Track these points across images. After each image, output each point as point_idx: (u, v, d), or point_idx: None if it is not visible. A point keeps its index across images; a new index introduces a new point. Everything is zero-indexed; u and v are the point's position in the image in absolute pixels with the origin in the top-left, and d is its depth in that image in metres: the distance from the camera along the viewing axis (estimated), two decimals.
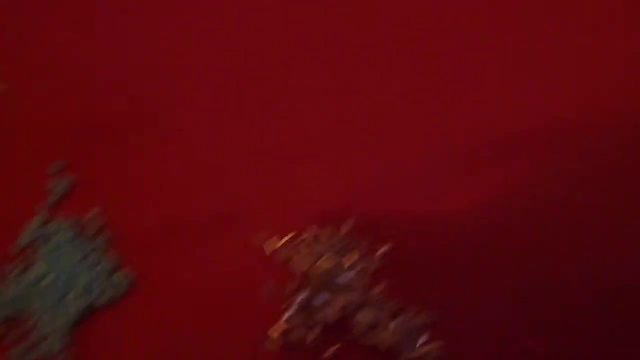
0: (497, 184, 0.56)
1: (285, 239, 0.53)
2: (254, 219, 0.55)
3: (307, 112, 0.60)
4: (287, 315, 0.50)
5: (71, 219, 0.54)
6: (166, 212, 0.55)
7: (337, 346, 0.49)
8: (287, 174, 0.57)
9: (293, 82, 0.62)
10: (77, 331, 0.50)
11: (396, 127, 0.59)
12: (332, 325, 0.49)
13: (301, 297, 0.50)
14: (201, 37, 0.64)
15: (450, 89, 0.60)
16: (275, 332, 0.49)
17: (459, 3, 0.64)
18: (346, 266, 0.51)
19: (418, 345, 0.49)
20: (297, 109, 0.60)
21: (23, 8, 0.67)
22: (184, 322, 0.51)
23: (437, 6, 0.64)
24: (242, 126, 0.59)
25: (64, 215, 0.54)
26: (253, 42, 0.64)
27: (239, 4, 0.66)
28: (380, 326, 0.49)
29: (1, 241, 0.53)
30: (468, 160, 0.57)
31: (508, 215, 0.54)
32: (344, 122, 0.59)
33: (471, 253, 0.53)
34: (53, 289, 0.50)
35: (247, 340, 0.50)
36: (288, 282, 0.51)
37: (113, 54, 0.63)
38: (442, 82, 0.61)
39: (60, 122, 0.60)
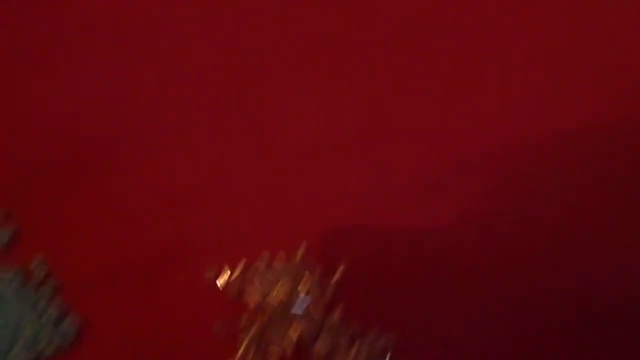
0: (450, 203, 0.54)
1: (237, 270, 0.51)
2: (203, 252, 0.53)
3: (256, 137, 0.59)
4: (240, 351, 0.48)
5: (15, 268, 0.52)
6: (111, 254, 0.53)
7: None
8: (234, 202, 0.56)
9: (236, 114, 0.60)
10: None
11: (342, 148, 0.58)
12: (289, 357, 0.48)
13: (253, 331, 0.48)
14: (144, 77, 0.63)
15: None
16: None
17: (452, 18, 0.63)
18: (301, 294, 0.50)
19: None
20: (244, 135, 0.59)
21: None
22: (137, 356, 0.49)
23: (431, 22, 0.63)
24: (182, 159, 0.58)
25: (7, 264, 0.52)
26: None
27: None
28: (339, 353, 0.47)
29: None
30: (426, 176, 0.56)
31: (465, 234, 0.53)
32: (290, 148, 0.58)
33: (428, 272, 0.52)
34: None
35: None
36: (241, 316, 0.49)
37: (52, 92, 0.62)
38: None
39: (1, 169, 0.58)
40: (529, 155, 0.56)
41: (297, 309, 0.48)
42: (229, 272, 0.51)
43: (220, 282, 0.51)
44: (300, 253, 0.52)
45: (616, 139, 0.56)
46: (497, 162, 0.56)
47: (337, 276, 0.51)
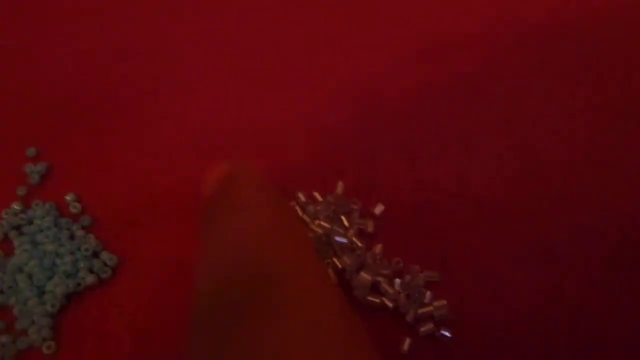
0: (493, 144, 0.55)
1: None
2: None
3: (283, 76, 0.59)
4: None
5: (50, 203, 0.51)
6: (144, 190, 0.53)
7: None
8: (271, 141, 0.55)
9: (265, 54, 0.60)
10: (63, 316, 0.47)
11: (377, 82, 0.58)
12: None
13: None
14: (179, 25, 0.63)
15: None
16: None
17: None
18: (344, 227, 0.49)
19: (425, 301, 0.47)
20: (273, 74, 0.59)
21: None
22: (173, 301, 0.48)
23: None
24: (218, 102, 0.58)
25: (42, 199, 0.52)
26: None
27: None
28: (383, 286, 0.47)
29: None
30: (458, 117, 0.56)
31: (507, 171, 0.53)
32: (323, 83, 0.58)
33: (469, 209, 0.52)
34: (36, 274, 0.47)
35: None
36: None
37: (86, 38, 0.61)
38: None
39: (33, 106, 0.57)
40: None
41: (341, 238, 0.48)
42: None
43: None
44: (339, 190, 0.52)
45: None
46: None
47: (377, 210, 0.51)
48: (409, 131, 0.56)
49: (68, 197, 0.52)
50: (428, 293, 0.47)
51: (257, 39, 0.61)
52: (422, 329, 0.46)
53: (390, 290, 0.47)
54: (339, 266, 0.47)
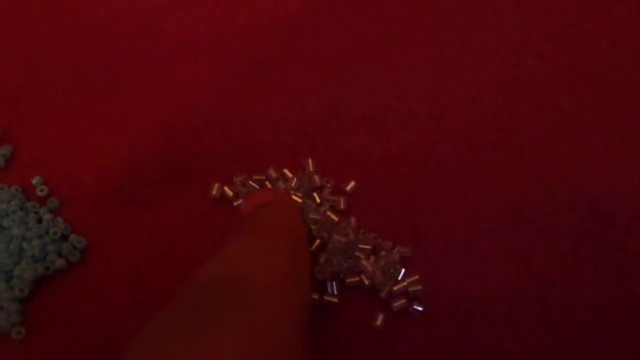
0: (462, 113, 0.55)
1: (239, 179, 0.51)
2: (210, 170, 0.52)
3: (254, 56, 0.58)
4: None
5: (15, 186, 0.50)
6: (114, 173, 0.52)
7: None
8: (241, 118, 0.55)
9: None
10: (32, 301, 0.47)
11: (350, 56, 0.58)
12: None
13: None
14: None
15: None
16: None
17: None
18: (316, 203, 0.49)
19: (399, 278, 0.47)
20: (244, 52, 0.58)
21: None
22: (145, 282, 0.48)
23: None
24: (188, 81, 0.57)
25: (7, 184, 0.51)
26: None
27: None
28: (362, 263, 0.47)
29: None
30: (427, 88, 0.56)
31: (476, 141, 0.54)
32: (292, 62, 0.58)
33: (439, 181, 0.52)
34: (3, 259, 0.46)
35: None
36: None
37: (49, 17, 0.60)
38: None
39: None
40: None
41: (314, 213, 0.48)
42: (237, 184, 0.51)
43: (229, 195, 0.50)
44: (309, 167, 0.51)
45: None
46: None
47: (349, 187, 0.51)
48: (376, 103, 0.56)
49: (34, 181, 0.51)
50: (402, 270, 0.47)
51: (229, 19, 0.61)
52: (395, 304, 0.46)
53: (370, 268, 0.47)
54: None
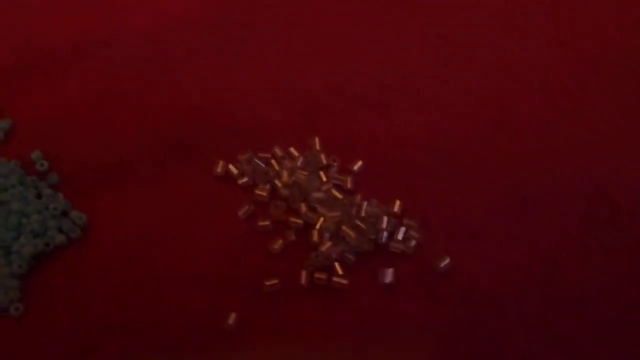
0: (467, 96, 0.54)
1: (244, 157, 0.50)
2: (214, 148, 0.51)
3: (261, 37, 0.57)
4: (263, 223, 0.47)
5: (14, 161, 0.49)
6: (117, 148, 0.51)
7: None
8: (248, 99, 0.54)
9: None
10: (31, 277, 0.45)
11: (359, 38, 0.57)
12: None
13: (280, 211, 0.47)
14: None
15: None
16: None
17: None
18: (322, 182, 0.49)
19: (400, 236, 0.46)
20: (250, 33, 0.57)
21: None
22: (145, 260, 0.47)
23: None
24: (196, 62, 0.56)
25: (6, 157, 0.49)
26: None
27: None
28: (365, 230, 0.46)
29: None
30: (433, 71, 0.55)
31: (482, 124, 0.53)
32: (300, 43, 0.57)
33: (445, 163, 0.51)
34: (1, 234, 0.45)
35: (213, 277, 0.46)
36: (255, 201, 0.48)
37: None
38: None
39: None
40: None
41: (318, 192, 0.47)
42: (242, 163, 0.50)
43: (233, 173, 0.49)
44: (316, 146, 0.51)
45: None
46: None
47: (356, 167, 0.50)
48: (383, 84, 0.55)
49: (34, 155, 0.49)
50: (385, 218, 0.47)
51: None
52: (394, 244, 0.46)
53: (351, 234, 0.46)
54: (300, 222, 0.47)
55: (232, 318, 0.43)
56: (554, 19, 0.59)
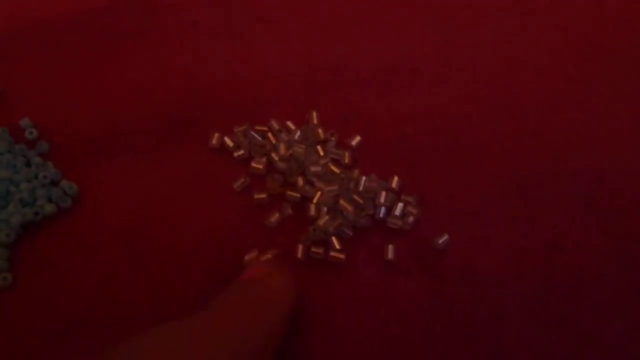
0: (469, 77, 0.53)
1: (240, 129, 0.49)
2: (208, 119, 0.50)
3: (262, 14, 0.56)
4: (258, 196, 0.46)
5: (3, 128, 0.47)
6: (110, 118, 0.50)
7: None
8: (247, 75, 0.53)
9: None
10: (19, 247, 0.44)
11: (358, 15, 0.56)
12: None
13: (276, 184, 0.46)
14: None
15: None
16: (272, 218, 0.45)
17: None
18: (319, 156, 0.47)
19: (397, 212, 0.46)
20: (253, 10, 0.56)
21: None
22: (135, 232, 0.45)
23: None
24: (193, 31, 0.55)
25: None
26: None
27: None
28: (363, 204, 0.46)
29: None
30: (434, 50, 0.55)
31: (483, 106, 0.52)
32: (300, 22, 0.55)
33: (445, 143, 0.50)
34: None
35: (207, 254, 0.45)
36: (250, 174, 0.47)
37: None
38: None
39: None
40: None
41: (315, 166, 0.46)
42: (238, 136, 0.49)
43: (229, 145, 0.48)
44: (313, 120, 0.50)
45: None
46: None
47: (354, 142, 0.49)
48: (383, 63, 0.54)
49: (23, 122, 0.48)
50: (384, 193, 0.46)
51: None
52: (392, 220, 0.46)
53: (349, 207, 0.45)
54: (297, 196, 0.46)
55: None
56: (558, 5, 0.58)
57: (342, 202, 0.45)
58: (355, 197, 0.45)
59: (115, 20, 0.55)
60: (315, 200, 0.45)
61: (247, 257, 0.44)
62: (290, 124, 0.49)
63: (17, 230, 0.44)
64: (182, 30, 0.55)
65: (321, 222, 0.44)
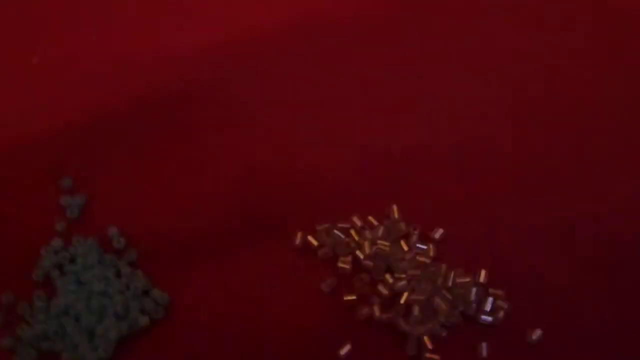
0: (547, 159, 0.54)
1: (323, 227, 0.49)
2: (289, 219, 0.50)
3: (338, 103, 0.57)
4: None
5: (91, 238, 0.48)
6: (194, 221, 0.50)
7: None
8: (316, 165, 0.53)
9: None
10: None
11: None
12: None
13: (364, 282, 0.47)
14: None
15: None
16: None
17: None
18: (404, 251, 0.48)
19: (488, 307, 0.46)
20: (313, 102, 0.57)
21: None
22: (229, 335, 0.45)
23: None
24: (264, 124, 0.55)
25: (83, 234, 0.49)
26: None
27: None
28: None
29: (18, 267, 0.47)
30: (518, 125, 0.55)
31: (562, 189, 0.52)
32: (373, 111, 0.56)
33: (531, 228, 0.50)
34: (85, 316, 0.44)
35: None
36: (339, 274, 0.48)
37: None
38: None
39: (63, 130, 0.54)
40: None
41: (403, 263, 0.47)
42: (321, 234, 0.49)
43: (313, 244, 0.49)
44: (394, 213, 0.50)
45: None
46: None
47: (437, 234, 0.49)
48: (457, 144, 0.54)
49: (111, 232, 0.49)
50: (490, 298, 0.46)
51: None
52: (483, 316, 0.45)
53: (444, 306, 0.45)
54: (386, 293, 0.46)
55: None
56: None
57: (437, 300, 0.45)
58: (446, 293, 0.45)
59: (197, 119, 0.56)
60: (403, 299, 0.46)
61: (342, 352, 0.44)
62: (372, 219, 0.50)
63: (114, 345, 0.44)
64: (253, 123, 0.56)
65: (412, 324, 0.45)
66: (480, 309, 0.46)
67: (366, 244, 0.48)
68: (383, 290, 0.46)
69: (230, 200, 0.51)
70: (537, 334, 0.45)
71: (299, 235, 0.49)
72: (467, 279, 0.47)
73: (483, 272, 0.47)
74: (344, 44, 0.61)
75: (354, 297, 0.46)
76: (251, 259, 0.49)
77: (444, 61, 0.60)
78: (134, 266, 0.48)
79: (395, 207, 0.50)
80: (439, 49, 0.61)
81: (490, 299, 0.46)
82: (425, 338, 0.44)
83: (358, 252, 0.48)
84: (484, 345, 0.44)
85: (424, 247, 0.48)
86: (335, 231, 0.49)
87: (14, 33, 0.61)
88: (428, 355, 0.44)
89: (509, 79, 0.59)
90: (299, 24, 0.61)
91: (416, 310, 0.45)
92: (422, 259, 0.47)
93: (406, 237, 0.49)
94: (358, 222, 0.49)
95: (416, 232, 0.49)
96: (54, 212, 0.50)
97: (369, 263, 0.47)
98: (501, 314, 0.46)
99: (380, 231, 0.49)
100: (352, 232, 0.49)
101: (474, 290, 0.46)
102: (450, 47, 0.61)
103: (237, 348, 0.45)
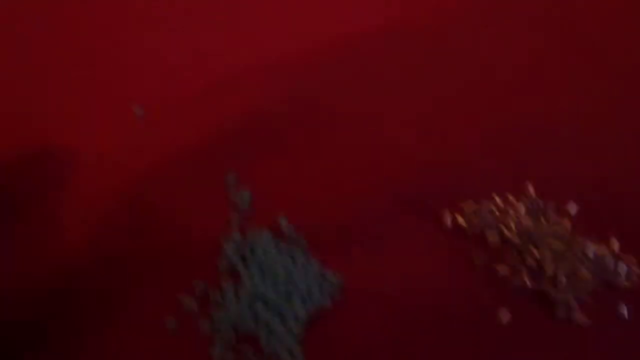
0: None
1: (471, 209, 0.54)
2: (440, 198, 0.55)
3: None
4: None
5: (266, 227, 0.53)
6: (352, 206, 0.55)
7: None
8: (457, 149, 0.58)
9: None
10: (304, 339, 0.50)
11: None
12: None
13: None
14: None
15: None
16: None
17: None
18: (545, 223, 0.53)
19: (623, 273, 0.51)
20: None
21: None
22: (394, 314, 0.50)
23: None
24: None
25: (256, 225, 0.53)
26: None
27: None
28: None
29: (201, 262, 0.52)
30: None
31: None
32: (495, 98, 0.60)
33: None
34: (274, 300, 0.49)
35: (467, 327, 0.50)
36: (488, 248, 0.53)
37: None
38: None
39: (229, 132, 0.58)
40: None
41: (544, 236, 0.52)
42: (469, 215, 0.54)
43: (463, 225, 0.54)
44: (530, 191, 0.55)
45: None
46: None
47: (571, 209, 0.54)
48: (586, 124, 0.59)
49: (282, 221, 0.53)
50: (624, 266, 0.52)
51: None
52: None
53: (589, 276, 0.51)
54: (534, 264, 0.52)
55: None
56: None
57: (582, 270, 0.51)
58: (587, 262, 0.51)
59: (336, 103, 0.60)
60: (551, 270, 0.51)
61: (501, 317, 0.50)
62: (511, 198, 0.55)
63: (304, 325, 0.49)
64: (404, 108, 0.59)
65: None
66: (617, 275, 0.52)
67: (512, 223, 0.53)
68: (531, 261, 0.52)
69: (383, 186, 0.56)
70: None
71: (448, 215, 0.54)
72: (604, 248, 0.52)
73: (615, 241, 0.53)
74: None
75: (506, 271, 0.52)
76: (406, 240, 0.53)
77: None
78: (307, 250, 0.53)
79: (530, 186, 0.55)
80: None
81: (624, 266, 0.52)
82: (574, 302, 0.51)
83: (503, 228, 0.53)
84: (625, 307, 0.51)
85: (561, 221, 0.54)
86: (482, 210, 0.54)
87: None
88: (578, 317, 0.50)
89: None
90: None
91: (563, 279, 0.51)
92: (561, 232, 0.53)
93: (544, 212, 0.54)
94: (500, 203, 0.54)
95: (552, 208, 0.54)
96: (225, 207, 0.54)
97: (515, 240, 0.53)
98: (634, 278, 0.52)
99: (522, 208, 0.54)
100: (495, 210, 0.54)
101: (611, 258, 0.51)
102: None
103: (405, 319, 0.50)
